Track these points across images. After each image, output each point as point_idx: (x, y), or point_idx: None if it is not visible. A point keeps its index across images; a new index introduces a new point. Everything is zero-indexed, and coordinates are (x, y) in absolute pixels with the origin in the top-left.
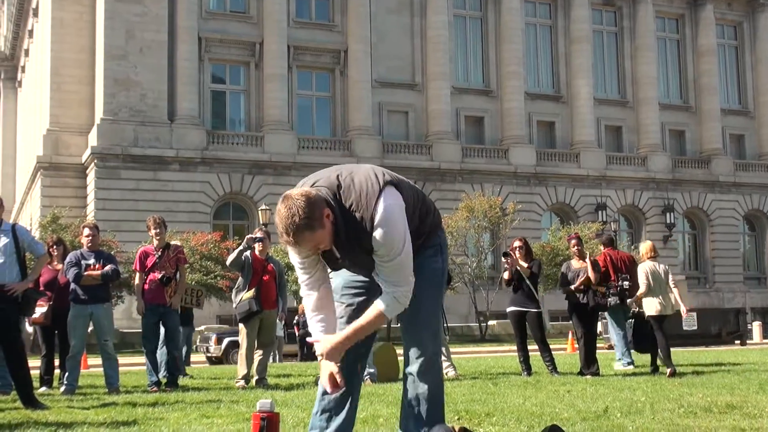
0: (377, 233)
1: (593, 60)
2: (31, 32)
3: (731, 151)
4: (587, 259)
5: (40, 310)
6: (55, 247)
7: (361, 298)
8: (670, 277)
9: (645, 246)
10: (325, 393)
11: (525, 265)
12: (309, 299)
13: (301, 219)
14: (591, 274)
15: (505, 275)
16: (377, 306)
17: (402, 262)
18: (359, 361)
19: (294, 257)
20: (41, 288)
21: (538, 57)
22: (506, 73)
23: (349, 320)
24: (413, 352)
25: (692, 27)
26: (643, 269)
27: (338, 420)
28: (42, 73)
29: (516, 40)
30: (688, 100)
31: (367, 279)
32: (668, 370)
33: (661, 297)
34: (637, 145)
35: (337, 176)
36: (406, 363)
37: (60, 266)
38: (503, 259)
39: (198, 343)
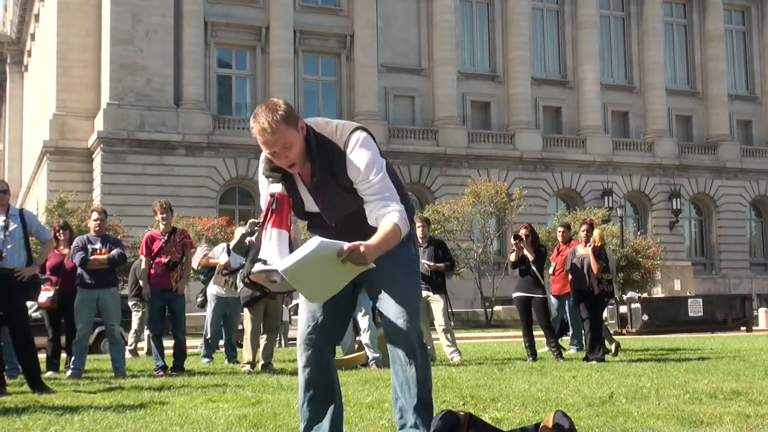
0: (352, 155)
1: (600, 45)
2: (37, 16)
3: (738, 137)
4: (589, 247)
5: (47, 294)
6: (61, 231)
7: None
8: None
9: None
10: (308, 383)
11: (530, 257)
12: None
13: (280, 112)
14: (593, 263)
15: (512, 257)
16: (388, 221)
17: (383, 182)
18: (333, 345)
19: (262, 181)
20: (47, 273)
21: (544, 42)
22: (513, 58)
23: (304, 302)
24: (395, 336)
25: (699, 12)
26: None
27: (330, 410)
28: (48, 57)
29: (522, 25)
30: (695, 86)
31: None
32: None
33: None
34: (644, 130)
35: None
36: (391, 347)
37: (66, 251)
38: (513, 241)
39: None
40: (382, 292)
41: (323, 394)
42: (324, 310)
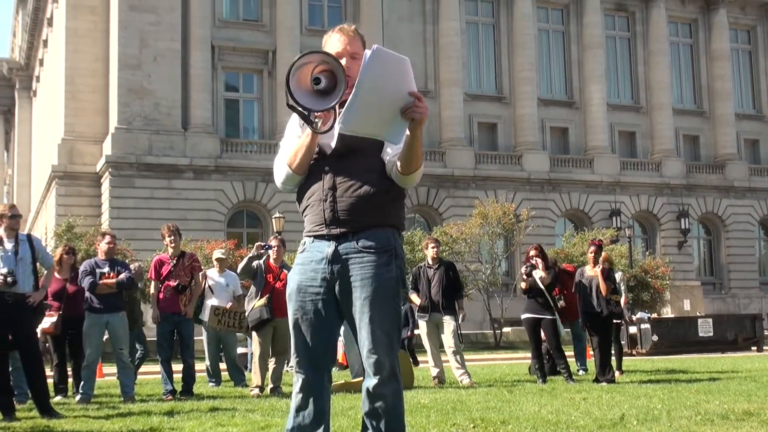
0: None
1: (606, 65)
2: (45, 42)
3: (746, 156)
4: (598, 269)
5: (50, 320)
6: (66, 256)
7: (312, 307)
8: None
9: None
10: (299, 408)
11: (545, 276)
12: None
13: (361, 33)
14: (602, 284)
15: (522, 285)
16: None
17: None
18: (326, 369)
19: None
20: (49, 298)
21: (550, 63)
22: (519, 79)
23: (295, 326)
24: (370, 369)
25: (705, 31)
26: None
27: None
28: (57, 82)
29: (529, 46)
30: (701, 105)
31: (325, 287)
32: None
33: None
34: (651, 150)
35: None
36: (364, 376)
37: (66, 275)
38: (523, 270)
39: None
40: (358, 320)
41: (312, 420)
42: (313, 335)
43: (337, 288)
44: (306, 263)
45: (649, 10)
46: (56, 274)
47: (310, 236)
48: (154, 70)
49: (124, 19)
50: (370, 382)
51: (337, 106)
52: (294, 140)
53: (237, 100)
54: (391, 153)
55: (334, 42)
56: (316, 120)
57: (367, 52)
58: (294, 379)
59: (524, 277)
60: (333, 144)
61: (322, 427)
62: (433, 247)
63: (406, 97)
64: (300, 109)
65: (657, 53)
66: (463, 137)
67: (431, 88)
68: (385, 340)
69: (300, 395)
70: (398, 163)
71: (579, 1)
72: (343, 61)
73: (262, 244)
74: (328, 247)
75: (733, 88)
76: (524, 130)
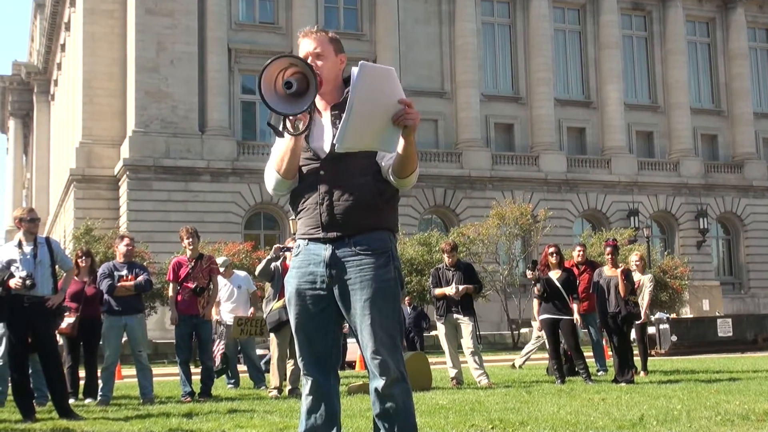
0: None
1: (623, 65)
2: (63, 46)
3: (765, 155)
4: (619, 269)
5: (68, 320)
6: (83, 258)
7: (313, 310)
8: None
9: (634, 258)
10: (309, 411)
11: (557, 274)
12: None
13: (332, 33)
14: (621, 285)
15: (536, 290)
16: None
17: None
18: (332, 371)
19: None
20: (67, 300)
21: (567, 63)
22: (536, 80)
23: (297, 330)
24: (376, 370)
25: (723, 30)
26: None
27: None
28: (74, 86)
29: (545, 46)
30: (719, 104)
31: (324, 290)
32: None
33: None
34: (669, 150)
35: None
36: (370, 378)
37: (85, 278)
38: (529, 276)
39: None
40: (359, 323)
41: (324, 422)
42: (316, 338)
43: (336, 291)
44: (303, 267)
45: (666, 9)
46: (75, 277)
47: (304, 239)
48: (171, 73)
49: (141, 22)
50: (378, 383)
51: (314, 106)
52: (281, 145)
53: (254, 103)
54: (387, 157)
55: (303, 45)
56: (297, 123)
57: (354, 70)
58: (303, 382)
59: (533, 282)
60: (326, 147)
61: (335, 428)
62: (447, 257)
63: (396, 106)
64: (277, 114)
65: (674, 52)
66: (480, 138)
67: (447, 89)
68: (387, 341)
69: (310, 398)
70: (394, 167)
71: (595, 0)
72: (309, 60)
73: (281, 246)
74: (324, 251)
75: (751, 87)
76: (541, 131)
